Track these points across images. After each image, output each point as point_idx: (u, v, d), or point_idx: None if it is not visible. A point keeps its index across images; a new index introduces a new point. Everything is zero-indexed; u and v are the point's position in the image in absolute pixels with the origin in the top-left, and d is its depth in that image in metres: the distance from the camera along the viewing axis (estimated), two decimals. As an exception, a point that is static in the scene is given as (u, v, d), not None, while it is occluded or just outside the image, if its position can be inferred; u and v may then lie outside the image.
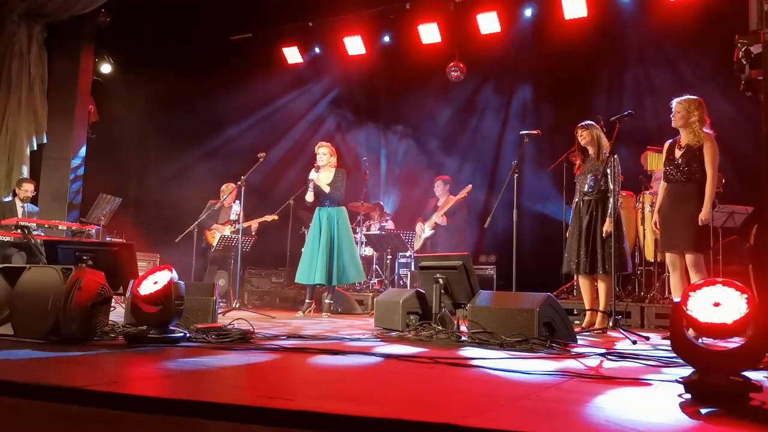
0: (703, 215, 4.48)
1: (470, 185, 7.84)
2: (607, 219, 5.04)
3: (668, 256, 4.76)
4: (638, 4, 8.37)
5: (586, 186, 5.24)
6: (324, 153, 6.56)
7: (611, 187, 5.08)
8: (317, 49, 10.26)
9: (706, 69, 7.47)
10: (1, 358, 2.52)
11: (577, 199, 5.36)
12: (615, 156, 4.95)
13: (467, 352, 3.27)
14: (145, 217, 10.07)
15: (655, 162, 7.15)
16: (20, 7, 8.07)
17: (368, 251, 8.71)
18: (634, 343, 3.97)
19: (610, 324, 4.74)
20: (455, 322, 4.19)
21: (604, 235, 5.02)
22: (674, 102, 4.74)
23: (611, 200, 5.05)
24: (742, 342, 1.94)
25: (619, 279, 6.43)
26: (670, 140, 4.83)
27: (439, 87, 9.55)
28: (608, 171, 5.05)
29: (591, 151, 5.29)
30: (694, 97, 4.71)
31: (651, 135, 7.09)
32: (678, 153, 4.68)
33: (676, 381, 2.08)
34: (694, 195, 4.56)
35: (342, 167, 6.77)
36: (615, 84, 8.34)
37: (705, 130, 4.62)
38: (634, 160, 7.55)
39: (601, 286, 5.12)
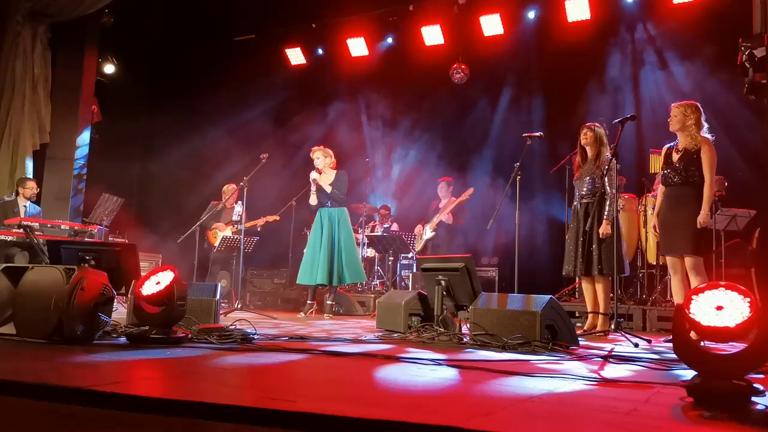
0: (702, 218, 4.48)
1: (471, 188, 7.83)
2: (604, 221, 5.03)
3: (669, 260, 4.76)
4: (641, 7, 8.37)
5: (584, 189, 5.23)
6: (318, 157, 6.57)
7: (608, 189, 5.07)
8: (320, 51, 10.28)
9: (709, 71, 7.46)
10: (4, 358, 2.53)
11: (575, 203, 5.36)
12: (613, 159, 4.94)
13: (469, 354, 3.27)
14: (147, 217, 10.09)
15: (657, 164, 7.15)
16: (24, 7, 8.09)
17: (370, 252, 8.71)
18: (636, 345, 3.96)
19: (612, 327, 4.73)
20: (457, 324, 4.19)
21: (601, 236, 5.02)
22: (672, 106, 4.75)
23: (608, 203, 5.05)
24: (745, 346, 1.94)
25: (621, 281, 6.42)
26: (668, 144, 4.84)
27: (442, 89, 9.55)
28: (605, 174, 5.04)
29: (589, 152, 5.28)
30: (691, 101, 4.72)
31: (654, 137, 7.08)
32: (676, 157, 4.69)
33: (679, 384, 2.08)
34: (693, 198, 4.56)
35: (344, 168, 6.78)
36: (618, 86, 8.33)
37: (703, 133, 4.63)
38: (637, 162, 7.55)
39: (599, 288, 5.12)
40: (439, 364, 2.76)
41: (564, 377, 2.46)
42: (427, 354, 3.17)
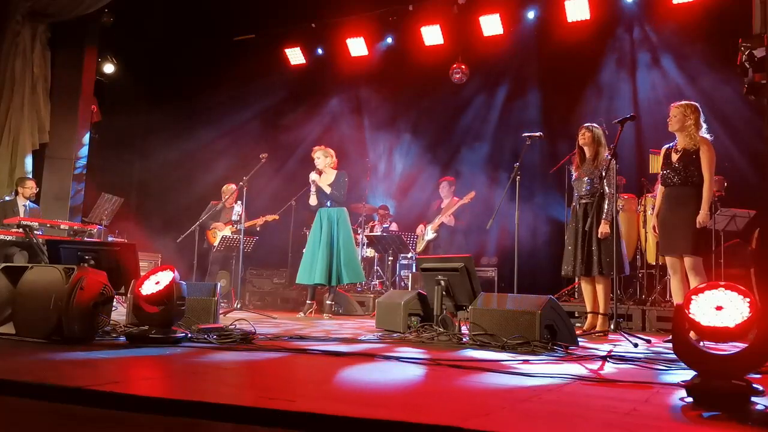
0: (701, 218, 4.48)
1: (473, 192, 7.81)
2: (603, 221, 5.03)
3: (668, 260, 4.76)
4: (641, 7, 8.37)
5: (583, 189, 5.23)
6: (319, 157, 6.58)
7: (607, 190, 5.08)
8: (320, 51, 10.28)
9: (709, 72, 7.46)
10: (3, 358, 2.53)
11: (574, 203, 5.36)
12: (612, 159, 4.94)
13: (468, 354, 3.27)
14: (146, 217, 10.09)
15: (656, 165, 7.16)
16: (24, 6, 8.08)
17: (370, 252, 8.71)
18: (636, 346, 3.96)
19: (612, 327, 4.73)
20: (456, 323, 4.19)
21: (600, 236, 5.02)
22: (671, 106, 4.76)
23: (607, 203, 5.05)
24: (745, 346, 1.94)
25: (621, 282, 6.42)
26: (667, 145, 4.84)
27: (441, 89, 9.55)
28: (604, 174, 5.04)
29: (588, 153, 5.28)
30: (691, 102, 4.73)
31: (654, 137, 7.09)
32: (675, 157, 4.69)
33: (678, 384, 2.08)
34: (692, 198, 4.57)
35: (344, 169, 6.78)
36: (618, 86, 8.33)
37: (702, 133, 4.63)
38: (637, 162, 7.54)
39: (599, 289, 5.12)
40: (439, 364, 2.76)
41: (564, 377, 2.46)
42: (426, 354, 3.18)
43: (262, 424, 1.54)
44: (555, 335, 3.57)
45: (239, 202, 7.51)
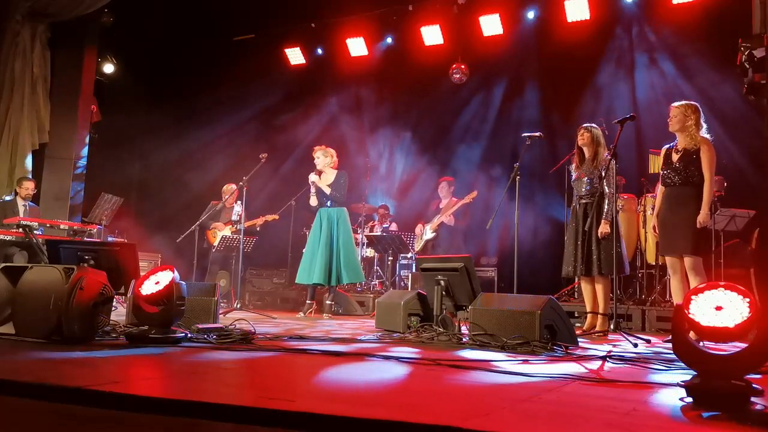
0: (702, 218, 4.49)
1: (475, 191, 7.81)
2: (603, 221, 5.04)
3: (668, 260, 4.76)
4: (641, 7, 8.38)
5: (583, 190, 5.23)
6: (319, 157, 6.59)
7: (607, 190, 5.08)
8: (320, 51, 10.28)
9: (708, 72, 7.46)
10: (3, 358, 2.53)
11: (574, 203, 5.37)
12: (612, 159, 4.95)
13: (468, 354, 3.27)
14: (146, 217, 10.09)
15: (656, 165, 7.16)
16: (24, 6, 8.08)
17: (369, 252, 8.71)
18: (636, 346, 3.97)
19: (611, 327, 4.73)
20: (456, 323, 4.19)
21: (600, 236, 5.03)
22: (671, 107, 4.76)
23: (607, 202, 5.06)
24: (745, 346, 1.94)
25: (620, 281, 6.42)
26: (668, 145, 4.84)
27: (441, 89, 9.55)
28: (604, 174, 5.04)
29: (587, 153, 5.28)
30: (691, 102, 4.73)
31: (654, 137, 7.09)
32: (675, 157, 4.70)
33: (678, 384, 2.08)
34: (693, 198, 4.57)
35: (344, 168, 6.78)
36: (618, 86, 8.33)
37: (702, 134, 4.64)
38: (637, 162, 7.54)
39: (599, 289, 5.12)
40: (439, 364, 2.76)
41: (564, 377, 2.46)
42: (426, 354, 3.18)
43: (262, 424, 1.54)
44: (555, 335, 3.57)
45: (239, 202, 7.51)
